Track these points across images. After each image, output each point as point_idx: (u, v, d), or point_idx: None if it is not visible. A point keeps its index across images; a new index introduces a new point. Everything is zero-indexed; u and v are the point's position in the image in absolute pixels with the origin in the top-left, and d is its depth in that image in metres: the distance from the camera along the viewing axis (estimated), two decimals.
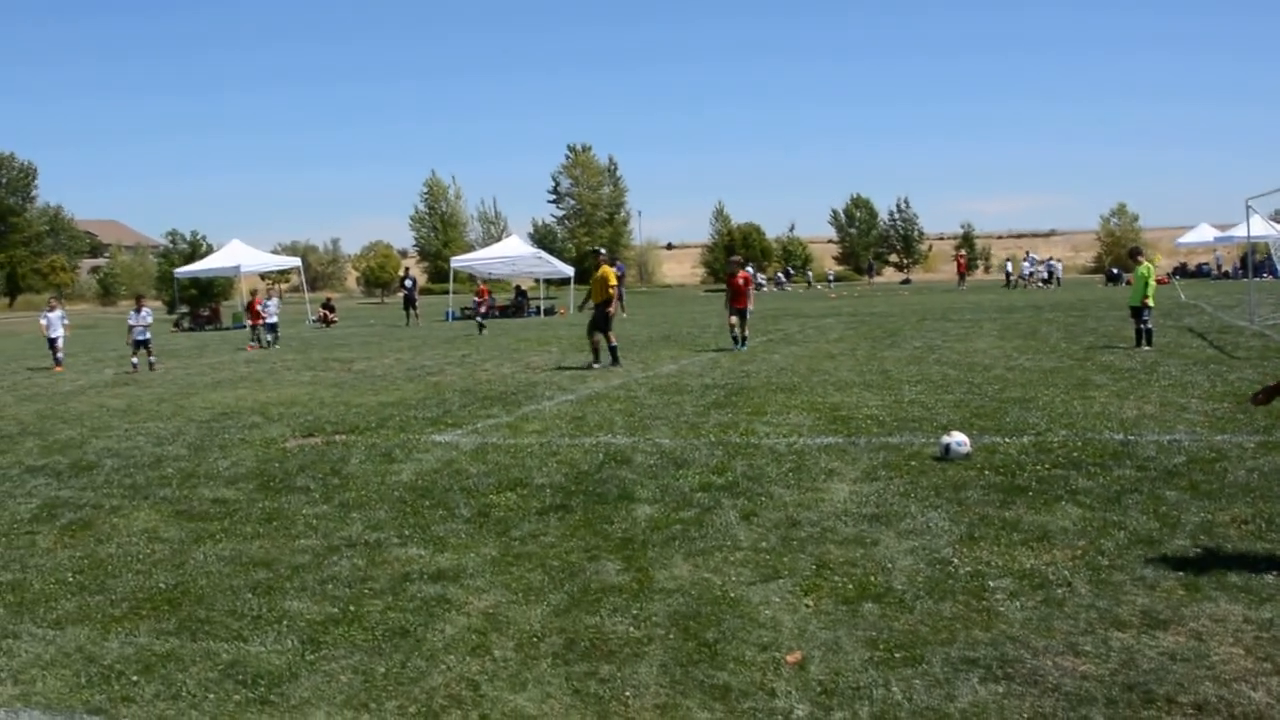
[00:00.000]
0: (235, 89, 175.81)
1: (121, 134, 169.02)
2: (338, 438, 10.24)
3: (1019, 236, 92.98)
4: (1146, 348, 15.68)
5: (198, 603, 5.28)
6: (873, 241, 78.29)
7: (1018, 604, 4.74)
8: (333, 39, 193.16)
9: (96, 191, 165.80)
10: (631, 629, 4.64)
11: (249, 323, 26.41)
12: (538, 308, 39.31)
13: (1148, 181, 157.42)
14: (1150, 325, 16.10)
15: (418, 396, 13.32)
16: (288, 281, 61.93)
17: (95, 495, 7.99)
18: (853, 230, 79.05)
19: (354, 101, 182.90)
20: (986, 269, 75.11)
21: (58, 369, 20.05)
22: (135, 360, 19.43)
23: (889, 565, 5.39)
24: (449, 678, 4.19)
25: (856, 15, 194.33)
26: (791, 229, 78.61)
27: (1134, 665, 4.00)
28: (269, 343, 25.63)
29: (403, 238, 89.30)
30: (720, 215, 78.22)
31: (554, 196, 76.34)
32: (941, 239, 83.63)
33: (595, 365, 16.05)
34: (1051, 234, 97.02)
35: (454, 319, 36.07)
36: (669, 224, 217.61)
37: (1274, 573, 4.95)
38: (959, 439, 8.03)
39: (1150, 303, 16.00)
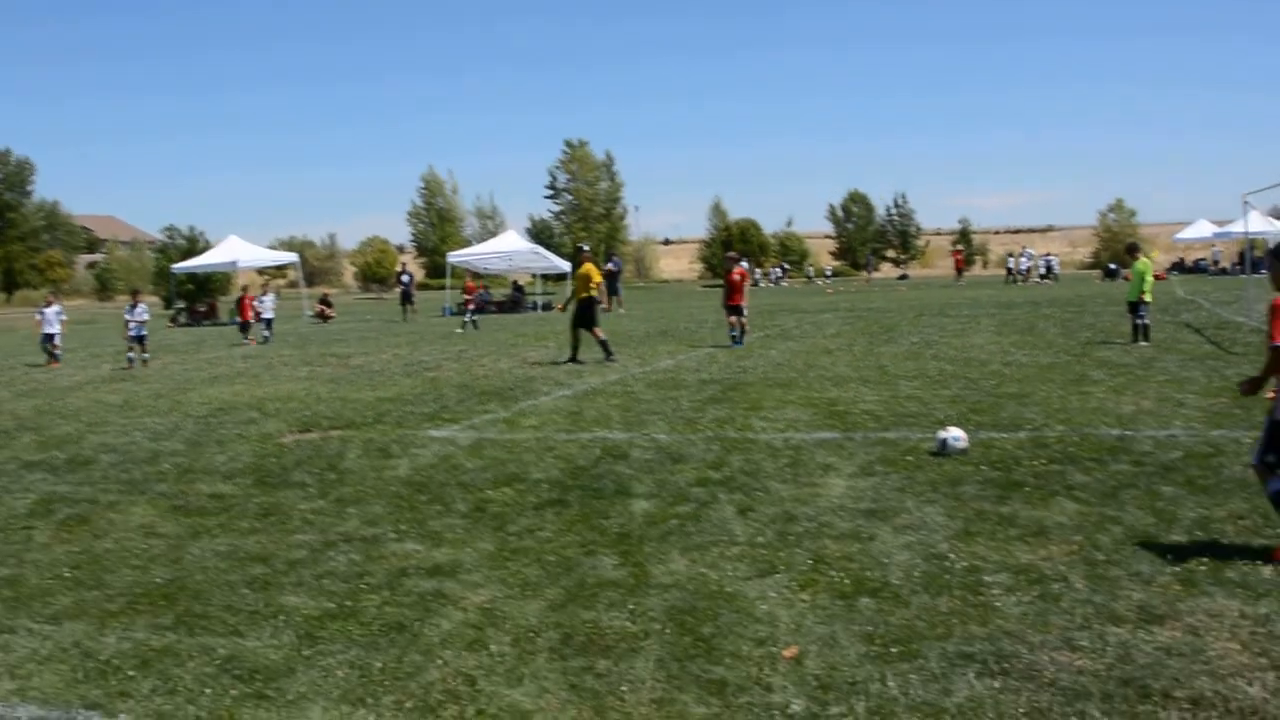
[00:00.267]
0: (233, 86, 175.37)
1: (118, 131, 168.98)
2: (334, 433, 10.23)
3: (1016, 232, 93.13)
4: (1144, 343, 15.70)
5: (194, 598, 5.28)
6: (870, 237, 78.42)
7: (1014, 599, 4.74)
8: (330, 36, 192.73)
9: (93, 188, 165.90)
10: (628, 624, 4.65)
11: (238, 319, 26.27)
12: (535, 303, 39.30)
13: (1146, 177, 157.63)
14: (1147, 321, 16.12)
15: (414, 392, 13.31)
16: (284, 277, 61.85)
17: (92, 490, 7.98)
18: (850, 225, 79.19)
19: (351, 97, 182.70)
20: (984, 264, 75.18)
21: (54, 364, 20.02)
22: (132, 355, 19.42)
23: (885, 560, 5.40)
24: (445, 672, 4.19)
25: (854, 9, 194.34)
26: (789, 224, 78.90)
27: (1130, 660, 4.01)
28: (266, 338, 25.63)
29: (400, 233, 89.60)
30: (717, 210, 78.42)
31: (551, 192, 76.25)
32: (939, 234, 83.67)
33: (576, 361, 15.98)
34: (1049, 229, 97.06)
35: (451, 314, 36.02)
36: (666, 219, 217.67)
37: (1270, 568, 4.97)
38: (955, 434, 8.03)
39: (1147, 298, 16.02)
